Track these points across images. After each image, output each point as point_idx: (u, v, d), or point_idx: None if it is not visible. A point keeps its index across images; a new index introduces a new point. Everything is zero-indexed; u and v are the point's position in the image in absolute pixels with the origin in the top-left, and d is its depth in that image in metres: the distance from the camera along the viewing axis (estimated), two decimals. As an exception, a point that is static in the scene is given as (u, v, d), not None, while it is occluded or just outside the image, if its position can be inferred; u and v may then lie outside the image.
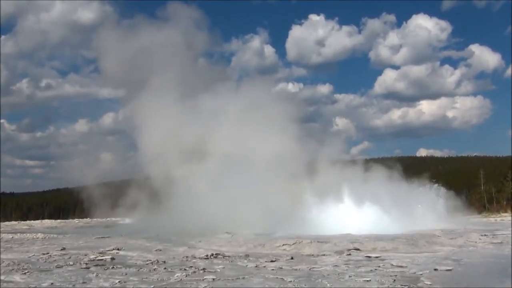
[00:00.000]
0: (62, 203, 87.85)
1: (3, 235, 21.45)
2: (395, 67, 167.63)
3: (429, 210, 23.83)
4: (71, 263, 12.40)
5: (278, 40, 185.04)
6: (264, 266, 11.84)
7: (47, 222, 39.22)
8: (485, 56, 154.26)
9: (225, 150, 25.60)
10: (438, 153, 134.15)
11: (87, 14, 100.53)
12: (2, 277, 10.22)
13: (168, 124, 28.99)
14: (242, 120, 26.95)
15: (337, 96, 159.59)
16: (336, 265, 11.80)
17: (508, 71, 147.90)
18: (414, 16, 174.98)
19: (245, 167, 23.04)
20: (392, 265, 11.60)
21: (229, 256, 13.80)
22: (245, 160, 23.74)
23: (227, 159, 24.57)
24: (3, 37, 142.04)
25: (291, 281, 9.56)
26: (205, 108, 28.67)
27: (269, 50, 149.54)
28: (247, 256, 13.97)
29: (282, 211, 21.32)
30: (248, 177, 22.33)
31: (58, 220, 44.76)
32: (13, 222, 41.33)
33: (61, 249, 15.40)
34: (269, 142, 25.08)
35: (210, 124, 27.65)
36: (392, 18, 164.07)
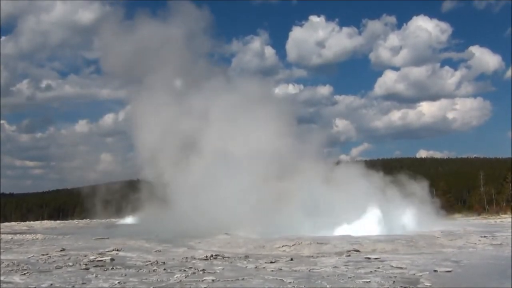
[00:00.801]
0: (62, 204, 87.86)
1: (2, 235, 21.46)
2: (395, 69, 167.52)
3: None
4: (70, 264, 12.39)
5: (279, 41, 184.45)
6: (264, 267, 11.83)
7: (47, 223, 39.28)
8: (485, 58, 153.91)
9: (215, 148, 25.66)
10: (438, 155, 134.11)
11: (87, 15, 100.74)
12: (2, 278, 10.22)
13: (163, 123, 29.17)
14: (231, 118, 27.01)
15: (337, 97, 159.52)
16: (335, 266, 11.79)
17: (508, 73, 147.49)
18: (414, 18, 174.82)
19: (232, 166, 23.13)
20: (391, 266, 11.59)
21: (228, 257, 13.79)
22: (232, 159, 23.78)
23: (215, 158, 24.65)
24: (3, 38, 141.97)
25: (290, 282, 9.55)
26: (197, 107, 28.80)
27: (269, 51, 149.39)
28: (246, 257, 13.97)
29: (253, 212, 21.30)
30: (233, 176, 22.45)
31: (58, 221, 44.86)
32: (13, 223, 41.40)
33: (61, 250, 15.41)
34: (255, 140, 25.12)
35: (202, 123, 27.79)
36: (392, 19, 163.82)
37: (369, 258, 13.28)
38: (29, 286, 9.35)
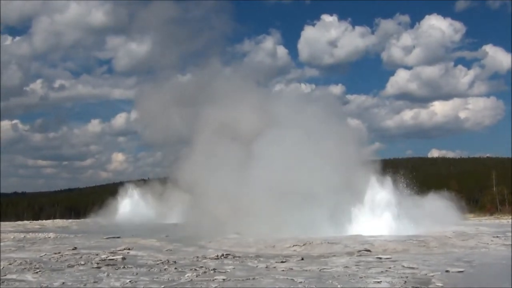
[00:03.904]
0: (74, 203, 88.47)
1: (15, 234, 21.66)
2: (408, 68, 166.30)
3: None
4: (82, 262, 12.48)
5: (291, 40, 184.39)
6: (274, 267, 11.82)
7: (59, 222, 39.49)
8: (498, 57, 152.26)
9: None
10: (450, 154, 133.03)
11: (100, 16, 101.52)
12: (15, 276, 10.33)
13: (171, 118, 29.46)
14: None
15: (349, 96, 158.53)
16: (346, 266, 11.75)
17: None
18: (427, 17, 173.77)
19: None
20: (403, 266, 11.53)
21: (239, 257, 13.81)
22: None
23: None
24: (17, 38, 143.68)
25: (301, 281, 9.54)
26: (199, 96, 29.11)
27: (281, 51, 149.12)
28: (257, 256, 13.98)
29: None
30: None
31: (70, 220, 45.08)
32: (25, 222, 41.68)
33: (73, 249, 15.53)
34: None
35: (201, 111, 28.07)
36: (405, 18, 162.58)
37: (380, 258, 13.22)
38: (42, 285, 9.43)
